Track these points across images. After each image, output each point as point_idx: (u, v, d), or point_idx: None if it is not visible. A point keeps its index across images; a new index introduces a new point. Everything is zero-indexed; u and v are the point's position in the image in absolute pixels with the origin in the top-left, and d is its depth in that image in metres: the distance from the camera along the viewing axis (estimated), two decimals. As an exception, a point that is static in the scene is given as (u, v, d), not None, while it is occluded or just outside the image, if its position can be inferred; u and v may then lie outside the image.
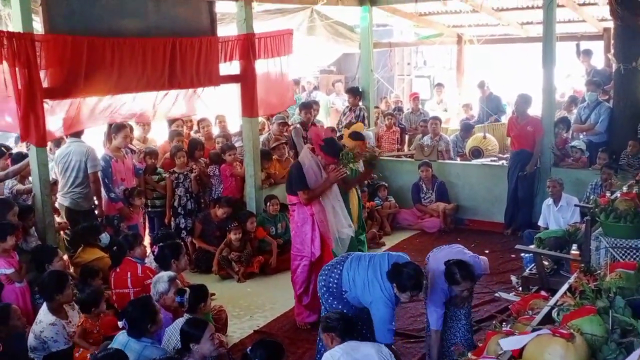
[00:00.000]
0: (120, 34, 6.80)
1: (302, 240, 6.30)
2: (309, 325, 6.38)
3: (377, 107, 12.21)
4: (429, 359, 5.41)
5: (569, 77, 12.57)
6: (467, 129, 11.53)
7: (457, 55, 15.01)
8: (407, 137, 12.21)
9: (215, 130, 9.99)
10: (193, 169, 8.43)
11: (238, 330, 6.41)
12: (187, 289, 5.11)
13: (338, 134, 8.90)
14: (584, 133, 9.85)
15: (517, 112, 9.49)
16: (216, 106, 8.73)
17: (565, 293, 3.46)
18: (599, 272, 3.50)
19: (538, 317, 3.27)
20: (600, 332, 2.72)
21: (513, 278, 7.05)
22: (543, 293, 4.05)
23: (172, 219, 8.39)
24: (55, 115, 6.51)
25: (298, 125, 9.73)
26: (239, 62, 8.29)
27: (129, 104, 7.39)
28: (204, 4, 7.86)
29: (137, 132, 9.10)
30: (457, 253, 5.21)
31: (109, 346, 4.52)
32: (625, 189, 5.15)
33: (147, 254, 6.51)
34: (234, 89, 8.55)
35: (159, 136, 9.78)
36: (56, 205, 7.17)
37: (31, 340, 5.11)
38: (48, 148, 6.74)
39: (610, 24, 10.24)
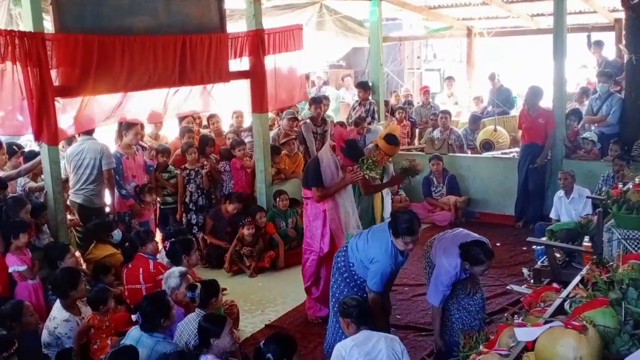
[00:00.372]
0: (131, 32, 6.82)
1: (312, 235, 6.32)
2: (320, 319, 6.38)
3: (387, 101, 12.18)
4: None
5: (585, 67, 12.47)
6: (474, 121, 11.52)
7: (467, 48, 14.94)
8: (417, 130, 12.19)
9: (226, 126, 10.02)
10: (204, 165, 8.45)
11: (249, 324, 6.43)
12: (199, 284, 5.13)
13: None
14: (596, 125, 9.80)
15: (527, 104, 9.45)
16: (227, 102, 8.75)
17: (577, 285, 3.45)
18: (611, 263, 3.48)
19: (550, 309, 3.25)
20: (612, 323, 2.71)
21: (525, 270, 7.03)
22: (555, 285, 4.01)
23: (184, 214, 8.42)
24: (66, 114, 6.54)
25: (308, 121, 9.74)
26: (249, 58, 8.30)
27: (139, 101, 7.41)
28: (213, 1, 7.85)
29: (148, 129, 9.14)
30: (466, 236, 5.24)
31: (122, 342, 4.55)
32: (637, 180, 5.11)
33: (159, 250, 6.54)
34: (245, 85, 8.56)
35: (171, 133, 9.82)
36: (67, 202, 7.21)
37: (45, 336, 5.15)
38: (60, 146, 6.78)
39: (622, 15, 10.17)
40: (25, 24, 6.07)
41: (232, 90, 8.44)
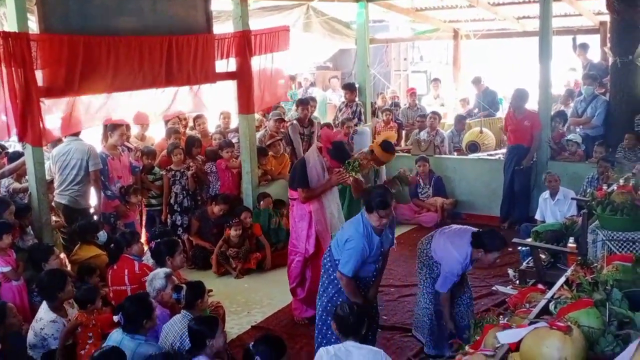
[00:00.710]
0: (117, 33, 6.77)
1: (298, 236, 6.31)
2: (307, 320, 6.39)
3: (374, 103, 12.21)
4: (428, 348, 5.60)
5: (573, 70, 12.53)
6: (459, 121, 11.60)
7: (453, 50, 15.00)
8: (404, 132, 12.22)
9: (212, 126, 9.99)
10: (190, 166, 8.41)
11: (236, 326, 6.41)
12: (184, 286, 5.11)
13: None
14: (581, 126, 9.86)
15: (513, 107, 9.50)
16: (213, 103, 8.72)
17: (562, 286, 3.46)
18: (595, 264, 3.50)
19: (535, 310, 3.26)
20: (597, 324, 2.72)
21: (510, 271, 7.08)
22: (540, 286, 4.03)
23: (169, 216, 8.38)
24: (52, 115, 6.47)
25: (295, 122, 9.73)
26: (235, 59, 8.28)
27: (125, 103, 7.36)
28: (200, 2, 7.82)
29: (134, 130, 9.09)
30: (467, 229, 5.39)
31: (104, 344, 4.52)
32: (621, 182, 5.15)
33: (145, 251, 6.51)
34: (231, 86, 8.53)
35: (157, 134, 9.77)
36: (52, 204, 7.16)
37: (30, 337, 5.11)
38: (45, 147, 6.73)
39: (607, 18, 10.24)
40: (9, 24, 6.01)
41: (218, 91, 8.42)
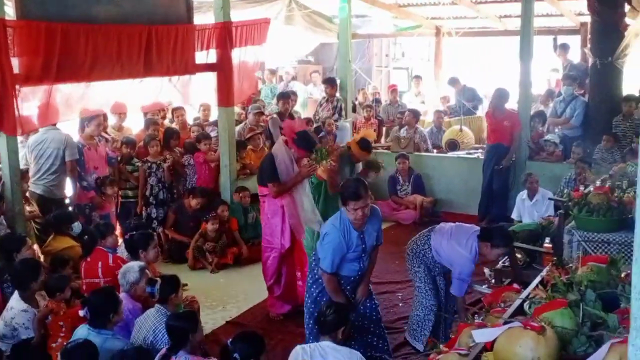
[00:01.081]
0: (95, 21, 6.68)
1: (272, 232, 6.25)
2: (282, 317, 6.38)
3: (355, 99, 12.20)
4: (414, 341, 5.60)
5: (555, 71, 12.58)
6: (437, 116, 11.64)
7: (435, 47, 15.03)
8: (384, 129, 12.21)
9: (190, 118, 9.92)
10: (167, 158, 8.33)
11: (210, 321, 6.35)
12: (158, 279, 5.05)
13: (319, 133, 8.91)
14: (559, 127, 9.92)
15: (493, 106, 9.52)
16: (192, 95, 8.66)
17: (537, 286, 3.47)
18: (571, 265, 3.51)
19: (510, 310, 3.27)
20: (570, 325, 2.72)
21: (486, 270, 7.08)
22: (515, 286, 4.04)
23: (144, 208, 8.29)
24: (29, 104, 6.35)
25: (275, 116, 9.67)
26: (216, 50, 8.21)
27: (104, 93, 7.27)
28: (181, -8, 7.76)
29: (112, 120, 8.98)
30: (468, 226, 5.36)
31: (69, 340, 4.44)
32: (598, 183, 5.20)
33: (119, 244, 6.43)
34: (210, 78, 8.46)
35: (135, 124, 9.66)
36: (27, 194, 7.05)
37: (0, 327, 5.02)
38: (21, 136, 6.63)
39: (588, 19, 10.31)
40: (-15, 10, 5.91)
41: (197, 83, 8.35)
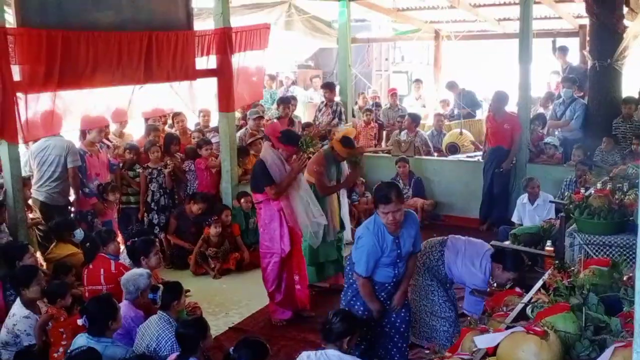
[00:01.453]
0: (95, 28, 6.69)
1: (271, 238, 6.25)
2: (284, 322, 6.38)
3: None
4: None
5: (556, 74, 12.56)
6: (438, 120, 11.65)
7: (434, 51, 15.03)
8: (384, 132, 12.22)
9: (191, 124, 9.93)
10: (167, 164, 8.34)
11: (213, 327, 6.24)
12: (160, 286, 5.06)
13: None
14: (559, 129, 9.93)
15: (493, 109, 9.53)
16: (192, 101, 8.67)
17: (539, 290, 3.48)
18: (572, 268, 3.52)
19: (512, 314, 3.28)
20: (573, 329, 2.73)
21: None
22: (517, 289, 4.06)
23: (145, 214, 8.31)
24: (31, 111, 6.31)
25: (275, 121, 9.67)
26: (216, 56, 8.22)
27: (104, 100, 7.29)
28: (181, -2, 7.78)
29: (113, 126, 8.99)
30: (480, 243, 5.32)
31: (69, 349, 4.45)
32: (599, 185, 5.20)
33: (121, 251, 6.44)
34: (210, 84, 8.48)
35: (136, 131, 9.68)
36: (30, 201, 7.07)
37: (3, 335, 5.03)
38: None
39: (586, 21, 10.31)
40: (-15, 18, 5.92)
41: (197, 89, 8.37)
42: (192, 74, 7.90)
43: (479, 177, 9.55)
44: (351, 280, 4.95)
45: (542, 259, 5.94)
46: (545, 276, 3.82)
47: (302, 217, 6.22)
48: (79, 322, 4.47)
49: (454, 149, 10.82)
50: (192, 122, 10.11)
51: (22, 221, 6.25)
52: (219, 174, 8.68)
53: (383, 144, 11.92)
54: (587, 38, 10.14)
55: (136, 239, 6.08)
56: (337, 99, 11.00)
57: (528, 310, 3.19)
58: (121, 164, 8.30)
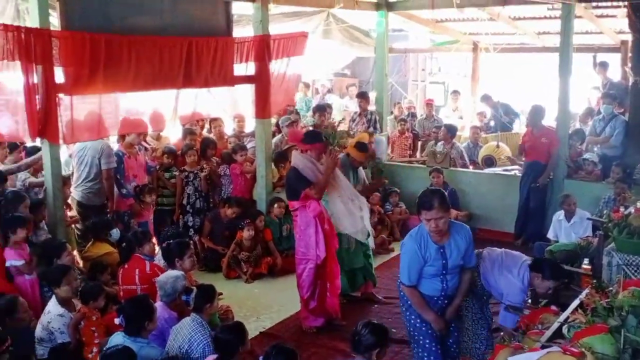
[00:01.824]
0: (137, 32, 6.81)
1: (307, 244, 6.28)
2: (315, 329, 6.38)
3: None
4: None
5: (597, 89, 12.39)
6: (474, 132, 11.55)
7: (472, 62, 14.95)
8: (419, 143, 12.18)
9: (229, 129, 10.01)
10: (204, 168, 8.43)
11: (244, 331, 6.39)
12: (194, 289, 5.10)
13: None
14: (598, 146, 9.79)
15: (530, 123, 9.42)
16: (230, 107, 8.75)
17: (576, 309, 3.43)
18: (611, 289, 3.47)
19: (548, 333, 3.24)
20: (611, 351, 2.70)
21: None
22: (553, 307, 4.00)
23: (181, 216, 8.40)
24: (73, 115, 6.43)
25: (311, 128, 9.70)
26: (254, 63, 8.28)
27: (144, 105, 7.42)
28: (221, 4, 7.88)
29: (150, 129, 9.11)
30: (516, 254, 5.20)
31: (104, 347, 4.51)
32: (639, 204, 5.10)
33: (156, 252, 6.51)
34: (245, 90, 8.55)
35: (172, 134, 9.79)
36: (69, 200, 7.21)
37: (39, 331, 5.14)
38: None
39: (628, 37, 10.18)
40: (32, 20, 6.06)
41: (235, 95, 8.45)
42: (230, 80, 7.99)
43: (515, 191, 9.45)
44: (402, 293, 4.80)
45: (578, 277, 5.85)
46: (582, 295, 3.77)
47: (345, 218, 6.29)
48: (116, 321, 4.54)
49: (490, 161, 10.73)
50: (229, 127, 10.19)
51: (61, 219, 6.38)
52: (253, 179, 8.74)
53: (418, 154, 11.87)
54: (629, 54, 10.00)
55: (171, 241, 6.15)
56: (371, 108, 10.98)
57: (564, 329, 3.15)
58: (158, 167, 8.40)
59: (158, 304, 5.08)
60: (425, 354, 4.67)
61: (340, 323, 6.48)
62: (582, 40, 12.39)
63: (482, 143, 11.43)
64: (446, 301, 4.68)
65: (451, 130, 10.87)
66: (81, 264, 6.62)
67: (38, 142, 6.54)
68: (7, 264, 5.59)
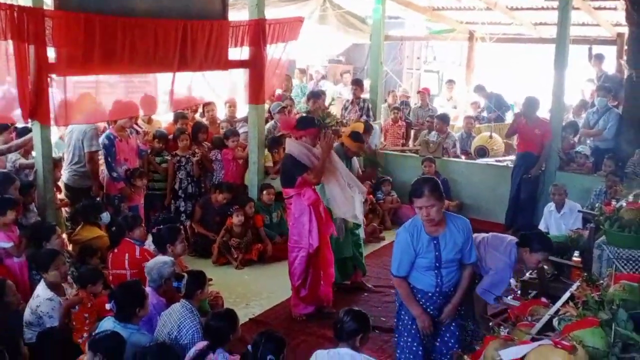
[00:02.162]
0: (132, 14, 6.73)
1: (300, 232, 6.25)
2: (305, 317, 6.38)
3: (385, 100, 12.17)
4: None
5: (592, 81, 12.37)
6: (467, 122, 11.61)
7: (467, 52, 14.89)
8: (412, 132, 12.15)
9: (221, 114, 9.95)
10: (195, 152, 8.38)
11: (233, 317, 6.37)
12: (185, 275, 5.08)
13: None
14: (591, 138, 9.79)
15: (524, 114, 9.40)
16: (223, 91, 8.68)
17: (567, 302, 3.42)
18: (601, 282, 3.46)
19: (538, 325, 3.23)
20: (601, 345, 2.68)
21: (512, 281, 7.01)
22: (543, 299, 3.99)
23: (172, 201, 8.36)
24: (65, 97, 6.36)
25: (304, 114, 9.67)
26: (249, 47, 8.22)
27: (137, 89, 7.36)
28: (217, -13, 7.79)
29: (142, 113, 9.04)
30: (503, 235, 5.27)
31: (94, 332, 4.48)
32: (631, 198, 5.10)
33: (146, 236, 6.48)
34: (240, 75, 8.49)
35: (164, 117, 9.72)
36: (59, 183, 7.15)
37: (27, 315, 5.09)
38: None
39: (625, 30, 10.16)
40: (24, -1, 5.98)
41: (228, 79, 8.38)
42: (225, 64, 7.92)
43: (507, 182, 9.45)
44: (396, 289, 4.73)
45: (568, 270, 5.88)
46: (573, 288, 3.76)
47: (342, 202, 6.30)
48: (107, 306, 4.52)
49: (482, 152, 10.73)
50: (222, 112, 10.13)
51: (51, 202, 6.33)
52: (245, 164, 8.70)
53: (410, 143, 11.85)
54: (625, 47, 9.98)
55: (162, 226, 6.12)
56: (365, 95, 10.93)
57: (555, 322, 3.14)
58: (149, 151, 8.34)
59: (147, 290, 5.05)
60: (407, 352, 4.61)
61: (330, 311, 6.46)
62: (579, 32, 12.38)
63: (475, 133, 11.42)
64: (441, 297, 4.49)
65: (445, 120, 10.85)
66: (70, 247, 6.57)
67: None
68: (-5, 245, 5.54)
